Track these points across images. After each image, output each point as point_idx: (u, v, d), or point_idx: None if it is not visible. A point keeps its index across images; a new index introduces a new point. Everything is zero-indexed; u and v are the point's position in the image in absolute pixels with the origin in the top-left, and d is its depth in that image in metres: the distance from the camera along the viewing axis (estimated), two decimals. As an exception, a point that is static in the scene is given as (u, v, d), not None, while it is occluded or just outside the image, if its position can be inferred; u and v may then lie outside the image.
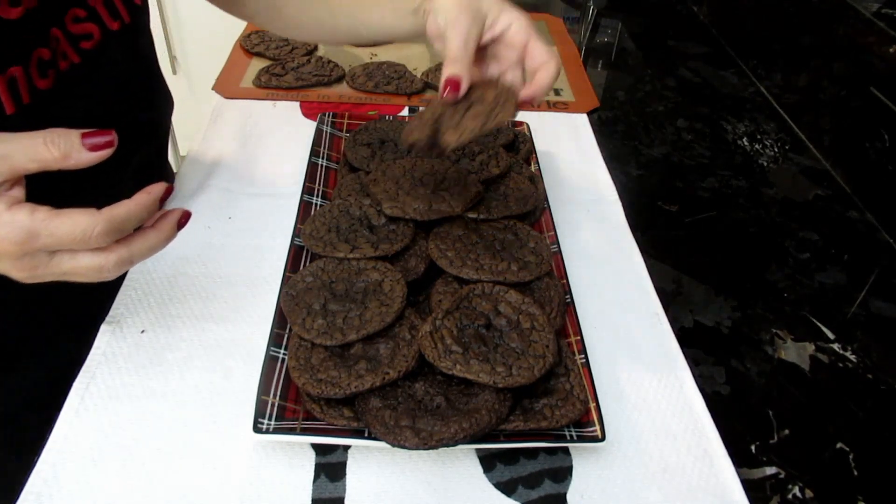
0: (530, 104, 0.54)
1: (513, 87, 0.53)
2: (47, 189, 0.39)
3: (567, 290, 0.56)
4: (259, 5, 0.66)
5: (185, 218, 0.42)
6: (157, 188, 0.40)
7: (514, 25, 0.54)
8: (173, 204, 0.66)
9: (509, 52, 0.55)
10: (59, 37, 0.48)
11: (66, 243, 0.37)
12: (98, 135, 0.38)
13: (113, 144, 0.38)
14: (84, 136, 0.37)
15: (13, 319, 0.55)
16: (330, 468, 0.45)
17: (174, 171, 0.76)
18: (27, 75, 0.45)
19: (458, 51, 0.51)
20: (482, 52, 0.55)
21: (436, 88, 0.88)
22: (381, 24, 0.63)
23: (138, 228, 0.40)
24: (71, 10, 0.48)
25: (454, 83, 0.51)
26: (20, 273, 0.38)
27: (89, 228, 0.37)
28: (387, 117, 0.76)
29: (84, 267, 0.39)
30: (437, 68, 0.91)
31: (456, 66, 0.51)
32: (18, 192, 0.38)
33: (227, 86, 0.87)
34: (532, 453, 0.47)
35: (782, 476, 0.48)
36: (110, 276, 0.39)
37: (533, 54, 0.54)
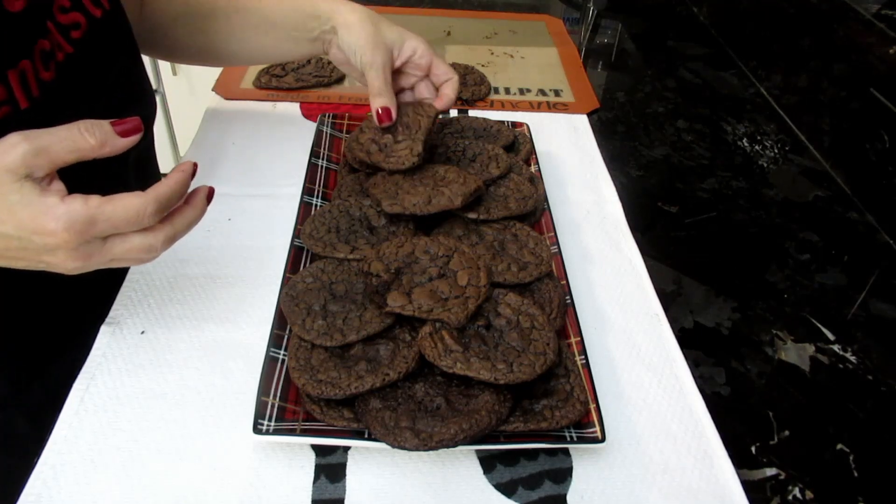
0: (447, 112, 0.69)
1: (429, 103, 0.65)
2: None
3: (567, 291, 0.56)
4: (146, 34, 0.67)
5: (211, 193, 0.45)
6: (187, 166, 0.43)
7: (418, 51, 0.65)
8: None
9: (416, 71, 0.67)
10: (51, 28, 0.48)
11: (122, 226, 0.39)
12: (126, 122, 0.40)
13: (140, 129, 0.41)
14: (114, 123, 0.39)
15: (12, 320, 0.55)
16: (330, 469, 0.45)
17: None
18: (34, 68, 0.46)
19: (381, 86, 0.62)
20: (395, 74, 0.66)
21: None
22: (276, 49, 0.69)
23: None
24: (56, 1, 0.49)
25: (387, 112, 0.62)
26: (74, 263, 0.39)
27: (142, 209, 0.39)
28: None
29: (136, 248, 0.41)
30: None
31: (383, 99, 0.62)
32: (59, 185, 0.39)
33: (227, 87, 0.87)
34: (532, 454, 0.47)
35: (782, 477, 0.48)
36: (157, 254, 0.42)
37: (437, 72, 0.66)
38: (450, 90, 0.66)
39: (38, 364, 0.57)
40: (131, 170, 0.62)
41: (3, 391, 0.56)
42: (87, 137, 0.38)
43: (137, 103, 0.62)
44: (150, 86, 0.67)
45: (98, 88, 0.54)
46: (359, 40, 0.62)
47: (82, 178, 0.40)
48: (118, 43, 0.57)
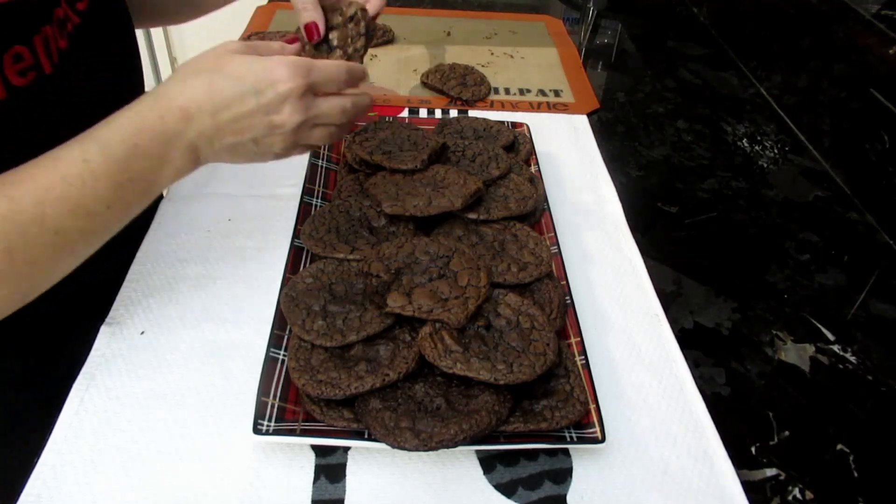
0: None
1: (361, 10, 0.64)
2: None
3: (567, 291, 0.56)
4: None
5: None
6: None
7: None
8: (173, 205, 0.66)
9: None
10: None
11: (330, 78, 0.49)
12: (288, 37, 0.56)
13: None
14: (285, 40, 0.54)
15: (12, 321, 0.55)
16: (330, 469, 0.45)
17: None
18: (54, 34, 0.48)
19: (306, 2, 0.65)
20: None
21: (434, 89, 0.89)
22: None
23: None
24: None
25: (314, 26, 0.64)
26: (297, 116, 0.48)
27: (340, 70, 0.50)
28: (386, 118, 0.76)
29: (335, 106, 0.50)
30: (437, 69, 0.91)
31: (308, 14, 0.64)
32: None
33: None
34: (532, 455, 0.47)
35: (782, 477, 0.48)
36: (347, 117, 0.52)
37: None
38: None
39: (38, 364, 0.57)
40: None
41: (5, 389, 0.57)
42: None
43: (133, 78, 0.63)
44: (142, 78, 0.68)
45: (99, 62, 0.56)
46: None
47: None
48: (116, 20, 0.59)
